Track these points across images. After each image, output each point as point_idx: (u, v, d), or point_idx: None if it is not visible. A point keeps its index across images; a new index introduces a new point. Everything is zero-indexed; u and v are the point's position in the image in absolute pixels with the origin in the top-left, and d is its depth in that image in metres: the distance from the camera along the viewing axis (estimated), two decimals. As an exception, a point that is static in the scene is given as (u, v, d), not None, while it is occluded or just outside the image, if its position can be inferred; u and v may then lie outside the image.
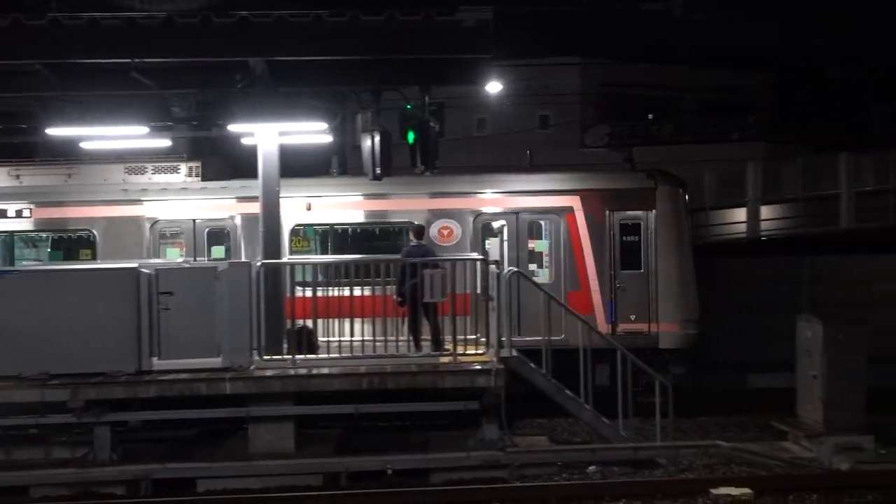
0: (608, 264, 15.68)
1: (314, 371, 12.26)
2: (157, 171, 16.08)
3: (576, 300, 15.37)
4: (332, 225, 16.04)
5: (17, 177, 16.09)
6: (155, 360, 12.03)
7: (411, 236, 13.90)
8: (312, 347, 13.13)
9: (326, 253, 15.88)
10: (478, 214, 15.86)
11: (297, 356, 12.48)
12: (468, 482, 11.55)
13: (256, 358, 12.33)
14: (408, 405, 12.46)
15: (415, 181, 15.64)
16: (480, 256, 13.40)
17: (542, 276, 15.73)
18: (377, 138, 12.87)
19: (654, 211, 15.70)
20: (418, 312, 13.06)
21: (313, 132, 13.94)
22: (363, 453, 12.20)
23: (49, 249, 16.21)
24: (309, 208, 15.99)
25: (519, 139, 29.67)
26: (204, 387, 11.80)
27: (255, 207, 13.90)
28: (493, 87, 22.96)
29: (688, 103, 35.14)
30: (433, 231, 15.87)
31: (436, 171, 13.53)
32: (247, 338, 12.10)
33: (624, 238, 15.68)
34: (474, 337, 13.14)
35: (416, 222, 14.76)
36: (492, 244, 14.11)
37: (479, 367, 12.21)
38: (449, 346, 12.62)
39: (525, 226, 15.86)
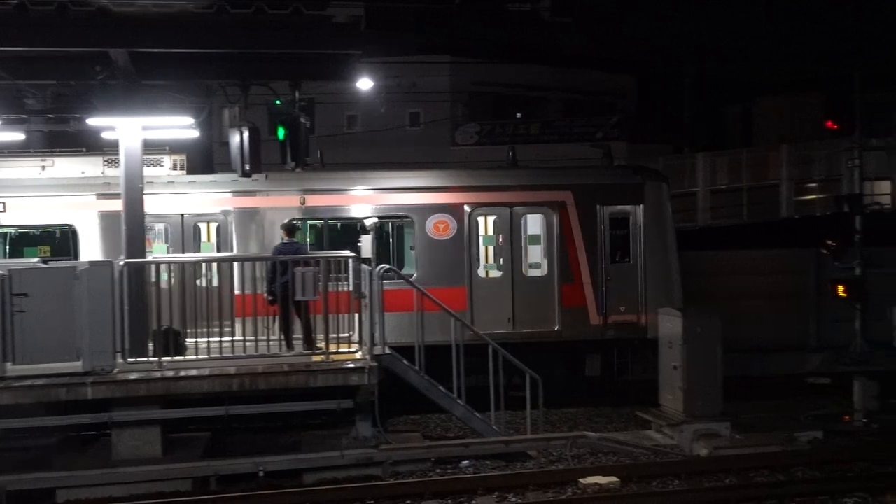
0: (599, 257, 15.97)
1: (182, 373, 11.90)
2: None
3: (569, 293, 15.74)
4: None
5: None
6: (9, 365, 11.47)
7: (282, 234, 13.53)
8: (179, 349, 12.70)
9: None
10: (473, 208, 15.79)
11: (164, 358, 12.09)
12: (342, 481, 11.48)
13: (120, 361, 11.91)
14: (280, 405, 12.25)
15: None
16: (352, 254, 13.12)
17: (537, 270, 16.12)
18: (246, 134, 12.59)
19: (641, 205, 16.09)
20: (289, 311, 12.84)
21: (178, 127, 13.52)
22: (234, 456, 11.97)
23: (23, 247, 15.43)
24: None
25: (390, 136, 29.71)
26: (64, 392, 11.34)
27: (250, 202, 14.49)
28: (365, 83, 22.82)
29: (555, 103, 36.04)
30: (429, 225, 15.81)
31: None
32: (109, 340, 11.67)
33: (613, 232, 16.01)
34: (347, 335, 12.92)
35: (287, 220, 14.30)
36: (363, 241, 13.52)
37: (352, 365, 12.10)
38: (321, 344, 12.43)
39: (519, 220, 15.99)
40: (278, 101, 13.51)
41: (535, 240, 16.20)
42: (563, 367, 15.93)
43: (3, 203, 14.96)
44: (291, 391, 12.13)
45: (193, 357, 12.48)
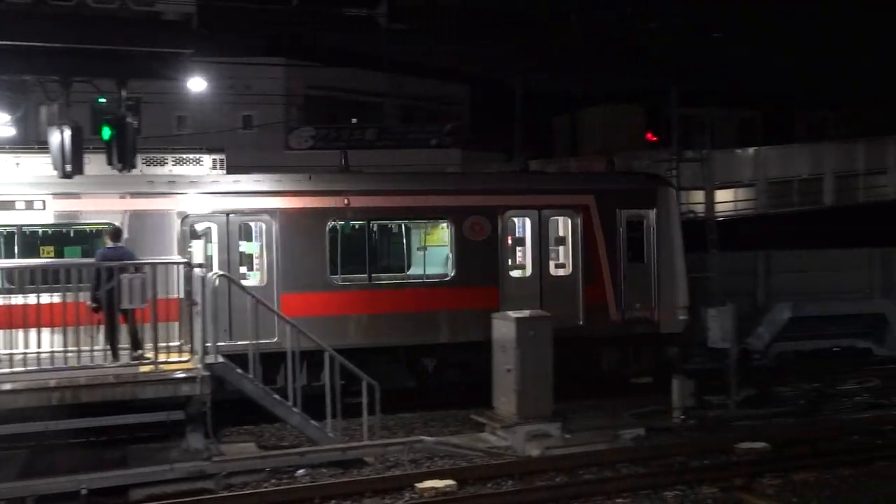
0: (618, 258, 16.70)
1: (-6, 387, 11.37)
2: (178, 162, 15.21)
3: (591, 291, 16.50)
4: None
5: (17, 164, 14.55)
6: None
7: (106, 238, 12.79)
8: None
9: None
10: (506, 210, 16.17)
11: (-26, 372, 11.41)
12: (172, 496, 11.00)
13: (-76, 376, 11.15)
14: (106, 419, 11.60)
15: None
16: (183, 259, 12.69)
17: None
18: (67, 133, 11.96)
19: (654, 209, 16.95)
20: (115, 319, 12.21)
21: (-9, 124, 12.72)
22: (54, 474, 11.14)
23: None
24: None
25: (222, 139, 28.86)
26: None
27: (295, 202, 14.67)
28: (196, 83, 22.00)
29: (390, 109, 36.10)
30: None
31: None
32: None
33: (630, 234, 16.78)
34: (177, 344, 12.57)
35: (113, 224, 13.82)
36: (195, 246, 12.93)
37: (183, 375, 11.67)
38: (150, 354, 11.89)
39: (546, 222, 16.50)
40: (102, 100, 12.80)
41: (560, 241, 16.84)
42: (583, 361, 16.48)
43: None
44: (118, 403, 11.47)
45: (7, 370, 11.55)
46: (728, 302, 15.18)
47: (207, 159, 15.34)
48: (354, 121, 33.71)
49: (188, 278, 12.24)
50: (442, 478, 11.26)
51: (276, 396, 12.52)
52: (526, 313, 13.92)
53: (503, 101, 33.29)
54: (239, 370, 12.33)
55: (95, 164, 13.47)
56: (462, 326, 15.56)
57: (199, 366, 11.86)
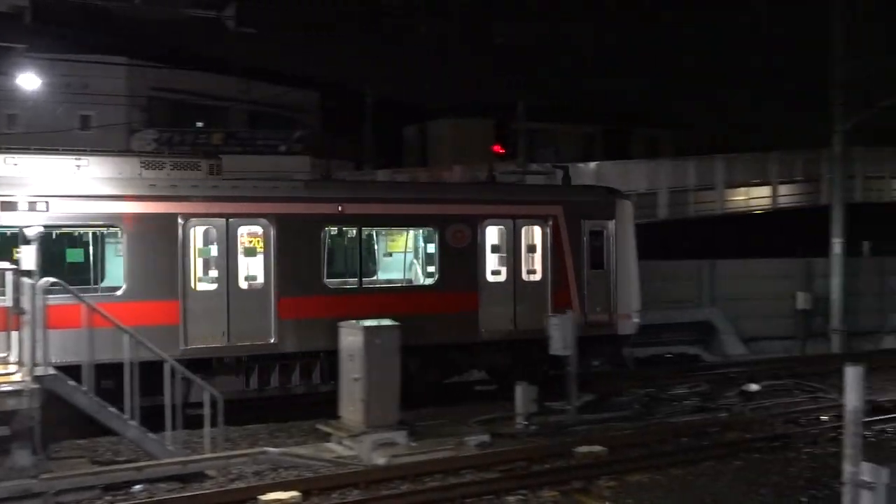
0: (582, 265, 17.79)
1: None
2: (176, 166, 15.25)
3: (559, 295, 17.45)
4: None
5: (16, 164, 14.30)
6: None
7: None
8: None
9: None
10: (485, 219, 16.98)
11: None
12: (-6, 517, 10.64)
13: None
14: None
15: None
16: (10, 266, 11.84)
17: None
18: None
19: (613, 220, 18.14)
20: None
21: None
22: None
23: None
24: None
25: (56, 139, 27.46)
26: None
27: (293, 208, 15.05)
28: (29, 80, 20.87)
29: (238, 114, 35.30)
30: None
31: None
32: None
33: (592, 243, 17.87)
34: (3, 355, 11.78)
35: None
36: (24, 252, 12.30)
37: (8, 388, 10.97)
38: (-28, 366, 11.38)
39: (519, 231, 17.39)
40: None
41: (532, 248, 17.68)
42: (551, 362, 17.04)
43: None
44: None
45: None
46: (569, 311, 15.71)
47: (204, 164, 15.42)
48: (200, 125, 33.17)
49: (16, 285, 11.40)
50: (286, 489, 11.07)
51: (112, 409, 11.93)
52: (373, 322, 13.89)
53: (354, 109, 33.21)
54: (72, 382, 11.68)
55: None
56: (446, 328, 16.51)
57: (28, 378, 11.15)
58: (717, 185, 31.19)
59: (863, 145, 31.02)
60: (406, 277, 17.34)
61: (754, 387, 17.88)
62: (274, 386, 15.83)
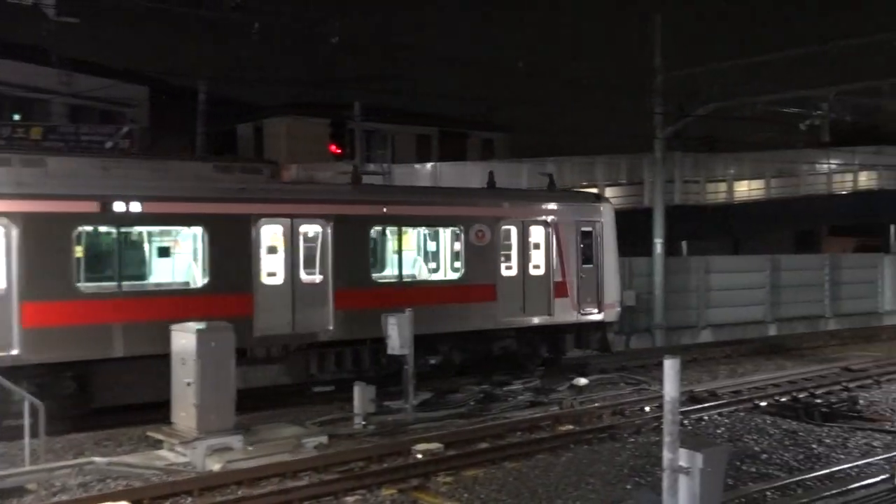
0: (576, 261, 20.16)
1: None
2: (245, 170, 16.45)
3: (559, 288, 19.74)
4: None
5: (104, 168, 15.15)
6: None
7: None
8: None
9: None
10: (502, 220, 19.26)
11: None
12: None
13: None
14: None
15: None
16: None
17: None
18: None
19: (600, 221, 20.68)
20: None
21: None
22: None
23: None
24: None
25: None
26: None
27: (347, 209, 16.66)
28: None
29: (59, 108, 32.85)
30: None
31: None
32: None
33: (583, 242, 20.31)
34: None
35: None
36: None
37: None
38: None
39: (527, 231, 19.66)
40: None
41: (536, 246, 19.96)
42: (549, 345, 20.08)
43: None
44: None
45: None
46: (406, 310, 15.89)
47: (266, 168, 16.94)
48: (17, 118, 31.00)
49: None
50: (115, 500, 10.63)
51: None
52: (204, 325, 13.50)
53: (186, 105, 32.00)
54: None
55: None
56: (470, 317, 18.48)
57: None
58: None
59: (682, 150, 32.76)
60: (437, 272, 19.06)
61: (583, 381, 18.50)
62: (331, 370, 17.23)
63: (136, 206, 14.67)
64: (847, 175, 38.59)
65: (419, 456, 12.80)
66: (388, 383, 16.69)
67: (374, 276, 17.69)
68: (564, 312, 19.93)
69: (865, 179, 39.32)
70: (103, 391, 14.60)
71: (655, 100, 26.26)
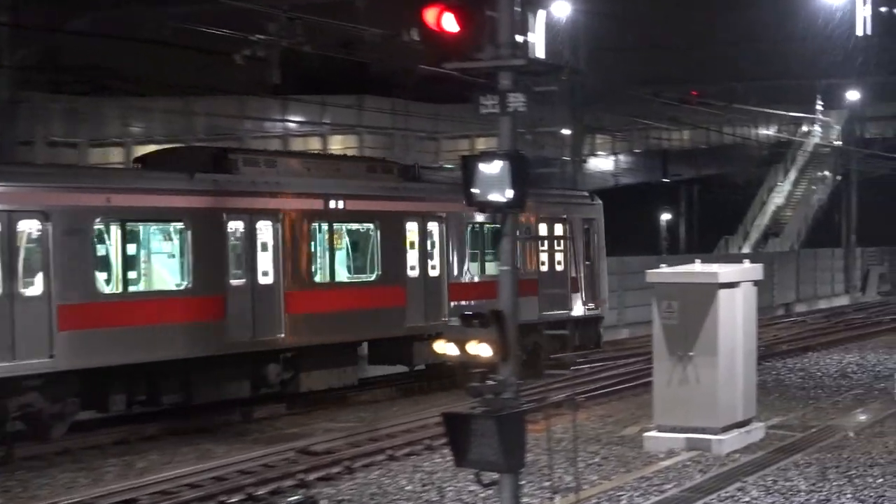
0: (583, 258, 28.61)
1: None
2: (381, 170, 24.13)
3: (574, 283, 28.59)
4: None
5: (308, 169, 22.97)
6: None
7: None
8: None
9: None
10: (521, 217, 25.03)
11: None
12: None
13: None
14: None
15: None
16: None
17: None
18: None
19: (595, 220, 28.88)
20: None
21: None
22: None
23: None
24: None
25: None
26: None
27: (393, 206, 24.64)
28: None
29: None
30: None
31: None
32: None
33: (585, 239, 28.55)
34: None
35: None
36: None
37: None
38: None
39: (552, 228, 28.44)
40: None
41: (558, 242, 27.70)
42: (569, 337, 27.50)
43: None
44: None
45: None
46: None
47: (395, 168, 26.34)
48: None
49: None
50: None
51: None
52: None
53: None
54: None
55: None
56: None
57: None
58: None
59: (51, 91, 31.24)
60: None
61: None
62: None
63: (341, 204, 23.24)
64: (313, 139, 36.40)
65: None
66: None
67: (477, 269, 27.11)
68: (580, 306, 28.19)
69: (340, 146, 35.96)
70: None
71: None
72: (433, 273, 24.58)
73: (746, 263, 23.57)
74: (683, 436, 17.48)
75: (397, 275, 23.46)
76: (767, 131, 60.47)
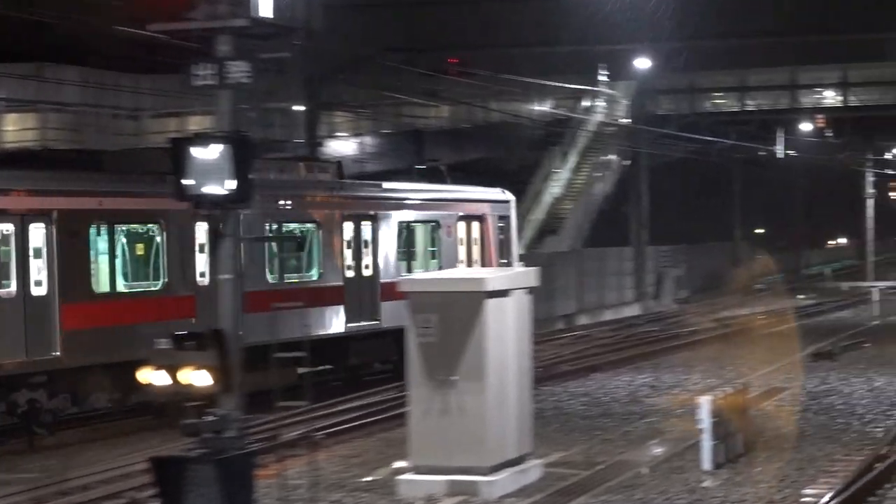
0: (498, 253, 36.34)
1: None
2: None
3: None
4: None
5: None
6: None
7: None
8: None
9: None
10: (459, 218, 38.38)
11: None
12: None
13: None
14: None
15: None
16: None
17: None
18: None
19: (510, 216, 37.05)
20: None
21: None
22: None
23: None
24: None
25: None
26: None
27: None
28: None
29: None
30: None
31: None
32: None
33: (499, 236, 36.87)
34: None
35: None
36: None
37: None
38: None
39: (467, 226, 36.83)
40: None
41: (475, 241, 35.60)
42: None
43: None
44: None
45: None
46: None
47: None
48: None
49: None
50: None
51: None
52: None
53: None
54: None
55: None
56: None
57: None
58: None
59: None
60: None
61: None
62: None
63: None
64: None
65: None
66: None
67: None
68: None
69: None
70: None
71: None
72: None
73: (519, 267, 26.43)
74: (445, 478, 17.23)
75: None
76: (542, 107, 58.98)
